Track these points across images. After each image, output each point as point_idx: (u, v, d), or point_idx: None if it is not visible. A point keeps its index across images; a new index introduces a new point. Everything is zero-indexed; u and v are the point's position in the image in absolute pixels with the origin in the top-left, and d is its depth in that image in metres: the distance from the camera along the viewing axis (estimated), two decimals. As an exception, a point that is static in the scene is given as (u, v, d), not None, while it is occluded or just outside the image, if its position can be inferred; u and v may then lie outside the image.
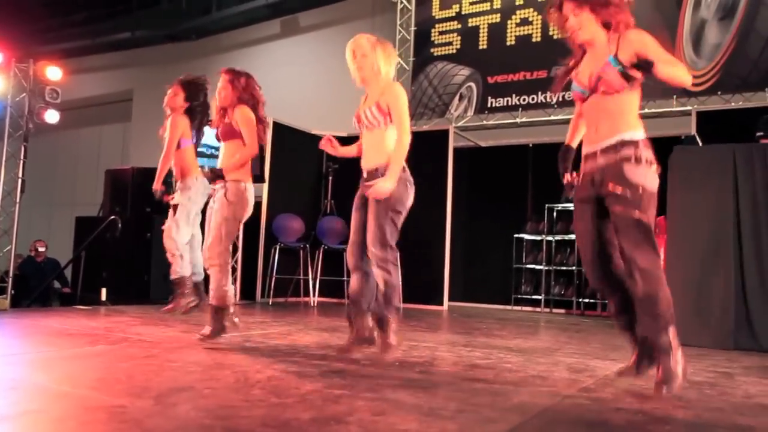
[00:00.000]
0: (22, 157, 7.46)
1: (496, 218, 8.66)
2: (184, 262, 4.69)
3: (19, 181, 7.54)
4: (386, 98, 3.48)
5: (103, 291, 6.97)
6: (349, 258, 3.63)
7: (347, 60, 3.61)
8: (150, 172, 8.10)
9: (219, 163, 4.02)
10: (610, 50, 2.64)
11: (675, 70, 2.53)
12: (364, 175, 3.59)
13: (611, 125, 2.64)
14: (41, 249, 9.54)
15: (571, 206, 7.82)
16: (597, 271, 2.75)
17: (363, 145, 3.65)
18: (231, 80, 4.00)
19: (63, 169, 14.99)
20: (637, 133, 2.64)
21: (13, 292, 7.11)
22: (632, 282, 2.60)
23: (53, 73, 7.68)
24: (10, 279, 7.25)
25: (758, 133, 5.50)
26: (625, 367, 2.81)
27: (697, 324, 4.60)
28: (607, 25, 2.69)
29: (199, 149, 5.15)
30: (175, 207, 4.72)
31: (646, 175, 2.59)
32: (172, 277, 4.70)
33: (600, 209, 2.71)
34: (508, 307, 8.29)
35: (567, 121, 9.61)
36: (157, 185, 4.81)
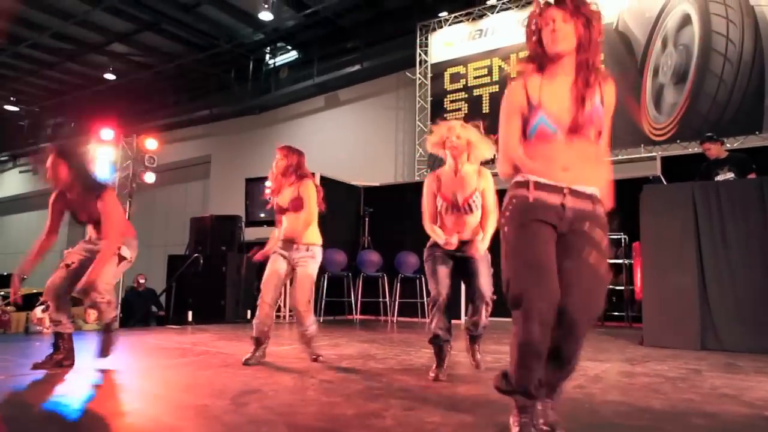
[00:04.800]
0: (127, 210, 7.67)
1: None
2: None
3: (125, 228, 7.73)
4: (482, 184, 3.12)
5: (189, 313, 7.04)
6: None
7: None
8: (224, 220, 8.28)
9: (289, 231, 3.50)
10: (592, 92, 1.82)
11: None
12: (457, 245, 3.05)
13: (588, 172, 1.84)
14: (142, 281, 9.71)
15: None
16: (551, 295, 1.76)
17: (451, 223, 3.10)
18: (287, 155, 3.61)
19: (158, 217, 15.31)
20: None
21: (121, 315, 7.24)
22: (570, 330, 1.78)
23: (151, 144, 7.96)
24: (119, 305, 7.39)
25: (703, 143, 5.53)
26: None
27: (670, 329, 4.48)
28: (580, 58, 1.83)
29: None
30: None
31: None
32: None
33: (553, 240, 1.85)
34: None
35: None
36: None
